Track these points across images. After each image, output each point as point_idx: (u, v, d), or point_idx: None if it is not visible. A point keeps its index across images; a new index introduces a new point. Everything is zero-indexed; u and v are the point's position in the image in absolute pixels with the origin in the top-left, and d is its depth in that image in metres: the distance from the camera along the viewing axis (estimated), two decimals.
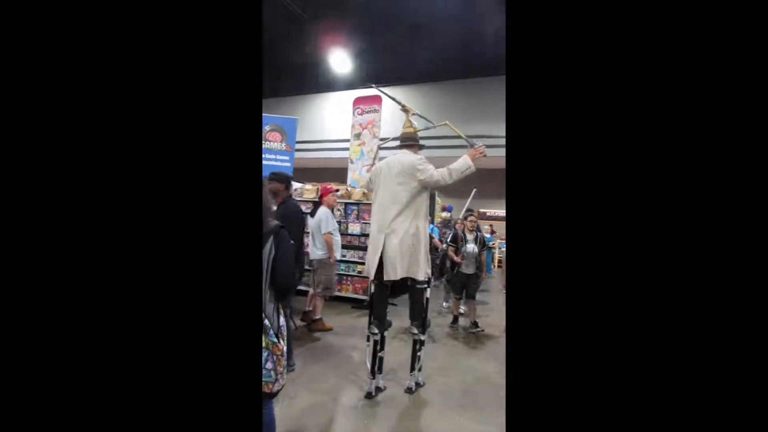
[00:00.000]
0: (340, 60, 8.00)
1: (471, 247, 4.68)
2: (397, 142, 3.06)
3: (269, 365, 1.41)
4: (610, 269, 0.70)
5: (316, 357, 3.47)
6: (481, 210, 11.90)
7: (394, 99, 3.12)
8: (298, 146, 7.22)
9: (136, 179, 0.75)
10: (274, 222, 1.54)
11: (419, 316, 2.86)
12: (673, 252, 0.67)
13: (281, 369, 1.43)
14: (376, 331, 2.81)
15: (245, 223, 0.79)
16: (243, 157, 0.79)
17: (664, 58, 0.68)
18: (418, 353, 2.86)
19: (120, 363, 0.73)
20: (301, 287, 5.46)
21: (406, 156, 2.85)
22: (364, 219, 5.76)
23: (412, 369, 2.87)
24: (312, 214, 4.36)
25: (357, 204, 5.81)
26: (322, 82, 9.96)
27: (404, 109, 3.07)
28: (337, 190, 4.46)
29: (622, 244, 0.70)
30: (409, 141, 2.97)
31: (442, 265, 5.69)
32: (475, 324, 4.63)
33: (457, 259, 4.65)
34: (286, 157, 6.90)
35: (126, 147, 0.75)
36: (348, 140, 7.39)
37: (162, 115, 0.76)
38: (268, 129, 6.91)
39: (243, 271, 0.78)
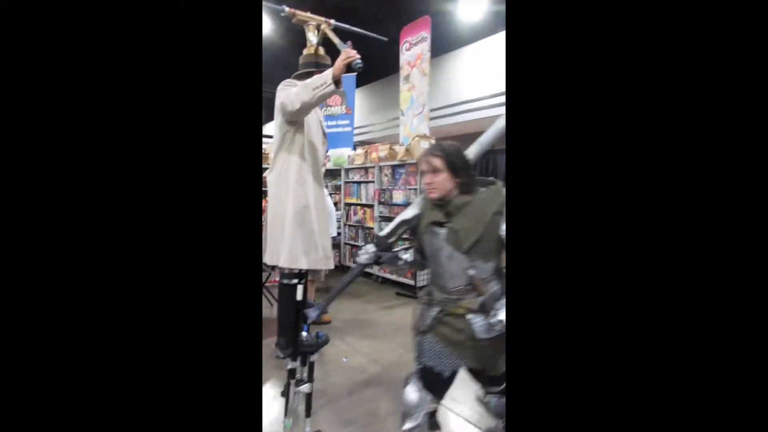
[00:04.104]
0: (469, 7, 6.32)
1: None
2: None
3: None
4: (614, 266, 0.68)
5: None
6: None
7: None
8: (434, 113, 6.14)
9: (134, 166, 0.72)
10: None
11: (283, 329, 1.71)
12: (679, 252, 0.65)
13: None
14: (280, 354, 1.80)
15: (245, 213, 0.78)
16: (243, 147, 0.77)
17: (665, 60, 0.66)
18: (296, 389, 1.71)
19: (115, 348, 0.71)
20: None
21: None
22: (410, 184, 4.50)
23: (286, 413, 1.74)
24: None
25: (403, 165, 4.58)
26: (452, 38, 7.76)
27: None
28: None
29: (626, 240, 0.68)
30: (304, 68, 1.82)
31: None
32: None
33: None
34: (347, 121, 6.11)
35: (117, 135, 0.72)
36: (487, 97, 6.13)
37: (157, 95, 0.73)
38: None
39: (243, 257, 0.77)
